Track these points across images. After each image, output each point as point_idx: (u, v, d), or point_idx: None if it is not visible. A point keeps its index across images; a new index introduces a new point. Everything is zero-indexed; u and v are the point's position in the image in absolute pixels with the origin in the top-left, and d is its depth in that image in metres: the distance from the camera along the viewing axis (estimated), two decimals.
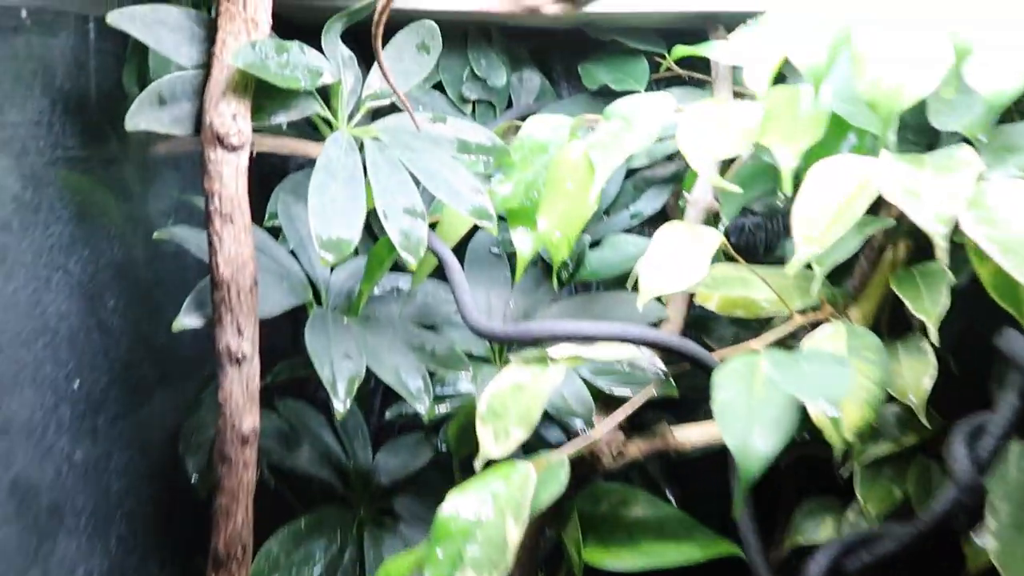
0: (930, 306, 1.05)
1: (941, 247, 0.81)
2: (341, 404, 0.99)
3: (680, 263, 1.00)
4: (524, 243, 1.19)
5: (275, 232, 1.28)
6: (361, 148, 1.06)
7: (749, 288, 1.16)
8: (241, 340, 0.91)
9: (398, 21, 1.15)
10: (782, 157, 0.95)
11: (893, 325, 1.20)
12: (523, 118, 1.60)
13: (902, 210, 0.85)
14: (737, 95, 1.41)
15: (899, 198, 0.85)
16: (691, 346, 0.98)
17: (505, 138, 1.56)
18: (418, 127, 1.06)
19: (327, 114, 1.08)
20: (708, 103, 1.05)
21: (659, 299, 1.22)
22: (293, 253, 1.25)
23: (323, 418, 1.34)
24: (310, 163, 1.09)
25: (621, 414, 1.01)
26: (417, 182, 1.06)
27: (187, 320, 0.97)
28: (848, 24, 0.85)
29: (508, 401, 0.95)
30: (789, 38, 0.90)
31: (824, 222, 0.87)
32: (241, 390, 0.92)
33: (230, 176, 0.92)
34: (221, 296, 0.89)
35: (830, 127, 0.98)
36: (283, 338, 1.35)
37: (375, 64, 1.13)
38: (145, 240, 1.14)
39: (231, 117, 0.92)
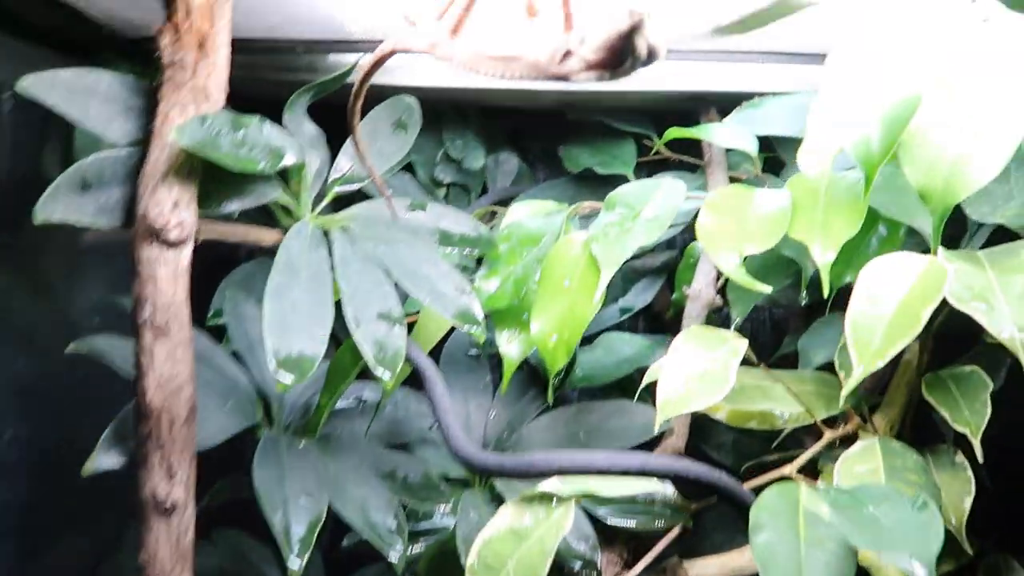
0: (971, 417, 0.93)
1: None
2: (297, 560, 0.79)
3: (703, 377, 0.86)
4: (513, 347, 1.04)
5: (219, 331, 1.11)
6: (327, 240, 0.91)
7: (770, 399, 1.02)
8: (172, 485, 0.71)
9: (369, 96, 1.02)
10: (818, 253, 0.83)
11: (917, 432, 1.08)
12: (500, 203, 1.49)
13: (974, 318, 0.73)
14: (733, 179, 1.31)
15: (969, 306, 0.73)
16: (724, 479, 0.83)
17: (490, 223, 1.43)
18: (395, 216, 0.90)
19: (288, 200, 0.92)
20: (728, 191, 0.93)
21: None
22: (238, 355, 1.07)
23: (268, 551, 1.13)
24: (263, 251, 0.93)
25: (642, 564, 0.84)
26: (393, 279, 0.91)
27: (104, 460, 0.78)
28: (905, 97, 0.73)
29: (505, 551, 0.78)
30: (835, 119, 0.78)
31: (882, 331, 0.74)
32: (170, 549, 0.72)
33: (167, 279, 0.75)
34: (148, 429, 0.71)
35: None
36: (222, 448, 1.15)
37: (345, 143, 0.99)
38: (63, 348, 0.95)
39: (171, 206, 0.75)
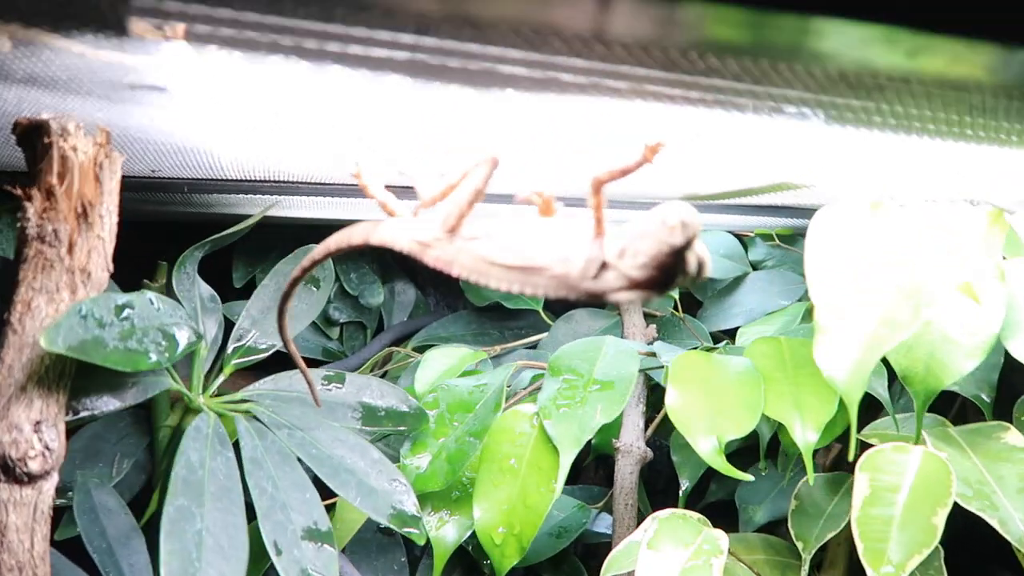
0: None
1: None
2: None
3: None
4: (447, 532, 0.89)
5: None
6: (233, 432, 0.73)
7: None
8: None
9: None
10: (801, 434, 0.77)
11: None
12: (398, 342, 1.35)
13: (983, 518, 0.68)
14: (647, 316, 1.26)
15: (973, 505, 0.68)
16: None
17: (384, 366, 1.28)
18: (318, 402, 0.74)
19: (178, 387, 0.74)
20: (688, 362, 0.85)
21: None
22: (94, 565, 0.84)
23: None
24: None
25: None
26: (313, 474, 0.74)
27: None
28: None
29: None
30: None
31: (896, 539, 0.67)
32: None
33: (21, 528, 0.55)
34: None
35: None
36: None
37: (248, 303, 0.82)
38: None
39: (31, 427, 0.56)
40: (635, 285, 0.47)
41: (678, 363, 0.84)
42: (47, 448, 0.56)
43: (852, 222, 0.71)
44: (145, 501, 1.04)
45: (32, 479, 0.56)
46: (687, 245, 0.46)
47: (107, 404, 0.66)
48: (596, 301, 0.47)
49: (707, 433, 0.77)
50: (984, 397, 0.86)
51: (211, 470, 0.67)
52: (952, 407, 0.96)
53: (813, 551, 0.89)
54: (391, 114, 0.55)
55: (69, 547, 0.88)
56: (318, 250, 0.60)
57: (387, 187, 0.58)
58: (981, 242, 0.58)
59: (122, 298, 0.63)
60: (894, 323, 0.59)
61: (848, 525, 1.00)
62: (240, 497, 0.68)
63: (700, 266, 0.47)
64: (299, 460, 0.75)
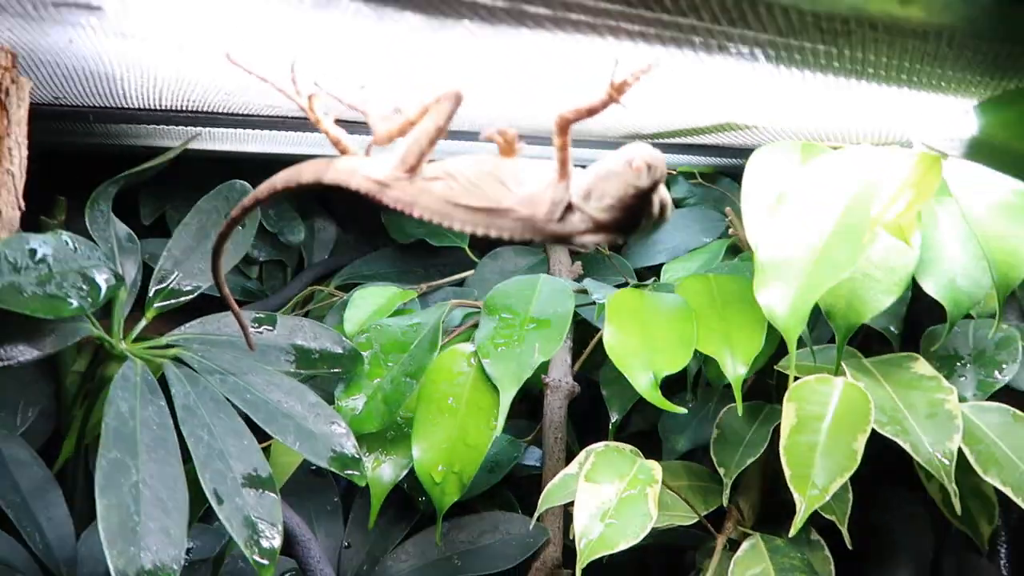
0: (836, 504, 0.96)
1: (951, 490, 0.70)
2: None
3: (621, 511, 0.79)
4: (383, 471, 0.89)
5: None
6: (162, 379, 0.69)
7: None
8: None
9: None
10: (731, 367, 0.80)
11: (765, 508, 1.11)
12: (320, 280, 1.31)
13: (896, 442, 0.73)
14: (573, 253, 1.27)
15: (886, 429, 0.74)
16: None
17: (306, 306, 1.24)
18: (252, 346, 0.71)
19: (99, 333, 0.69)
20: (622, 300, 0.86)
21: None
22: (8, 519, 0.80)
23: None
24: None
25: None
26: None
27: None
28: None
29: None
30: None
31: (821, 465, 0.71)
32: None
33: None
34: None
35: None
36: None
37: (170, 241, 0.77)
38: None
39: None
40: (600, 227, 0.47)
41: (614, 301, 0.86)
42: None
43: (787, 163, 0.73)
44: (54, 451, 0.99)
45: None
46: (653, 187, 0.45)
47: (23, 353, 0.61)
48: (561, 243, 0.46)
49: (644, 369, 0.79)
50: (892, 329, 0.92)
51: (143, 420, 0.64)
52: (857, 338, 1.03)
53: (734, 476, 0.94)
54: (340, 44, 0.52)
55: None
56: (261, 188, 0.57)
57: (337, 122, 0.55)
58: (914, 184, 0.61)
59: (36, 239, 0.58)
60: (833, 263, 0.62)
61: (765, 451, 1.06)
62: (176, 447, 0.65)
63: (663, 208, 0.47)
64: (234, 406, 0.72)
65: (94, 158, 1.02)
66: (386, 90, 0.55)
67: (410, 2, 0.45)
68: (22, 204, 0.56)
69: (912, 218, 0.66)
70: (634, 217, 0.46)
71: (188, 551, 0.89)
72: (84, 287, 0.61)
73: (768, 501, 1.07)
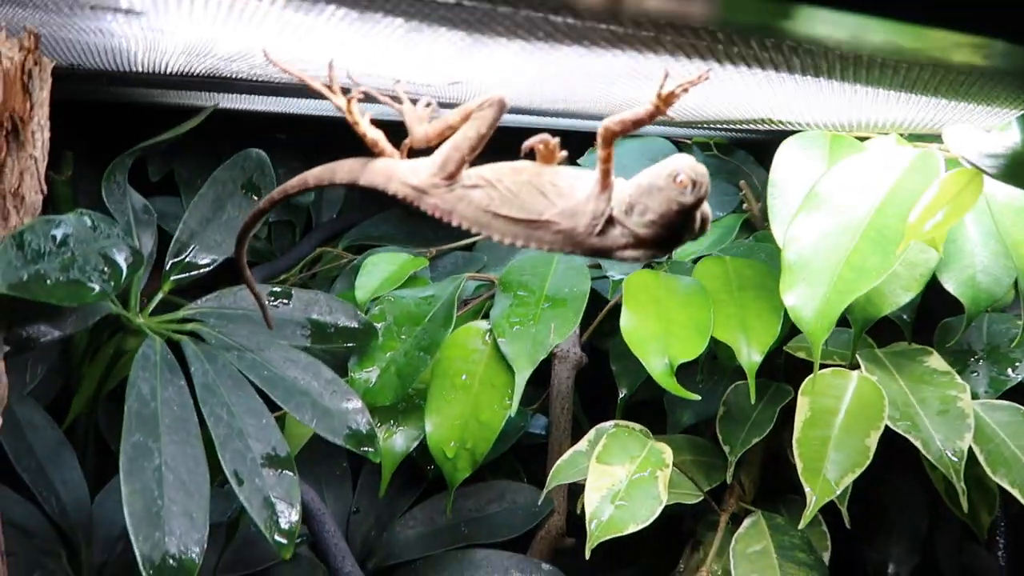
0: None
1: (959, 488, 0.71)
2: None
3: (631, 493, 0.80)
4: (396, 442, 0.89)
5: None
6: (181, 357, 0.69)
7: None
8: None
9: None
10: (746, 355, 0.81)
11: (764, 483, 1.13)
12: (328, 240, 1.29)
13: (907, 438, 0.74)
14: None
15: (898, 425, 0.74)
16: None
17: (314, 268, 1.23)
18: (271, 325, 0.71)
19: (118, 310, 0.69)
20: (640, 282, 0.86)
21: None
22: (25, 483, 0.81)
23: None
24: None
25: None
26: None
27: None
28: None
29: None
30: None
31: (837, 467, 0.72)
32: None
33: None
34: None
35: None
36: None
37: (186, 213, 0.76)
38: None
39: None
40: (642, 243, 0.46)
41: (631, 284, 0.85)
42: None
43: (817, 158, 0.72)
44: (64, 407, 0.99)
45: None
46: (697, 204, 0.45)
47: (45, 334, 0.60)
48: (601, 257, 0.45)
49: (660, 355, 0.80)
50: (905, 318, 0.92)
51: (163, 400, 0.64)
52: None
53: (740, 454, 0.95)
54: (383, 54, 0.50)
55: None
56: (293, 183, 0.56)
57: (373, 122, 0.53)
58: (953, 198, 0.60)
59: (59, 222, 0.57)
60: (863, 269, 0.61)
61: (771, 431, 1.07)
62: (196, 427, 0.66)
63: (703, 223, 0.46)
64: (251, 383, 0.72)
65: (99, 110, 1.00)
66: (420, 87, 0.53)
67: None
68: (44, 188, 0.55)
69: (945, 230, 0.66)
70: (676, 234, 0.46)
71: None
72: (105, 270, 0.60)
73: (769, 476, 1.09)
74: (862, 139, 0.77)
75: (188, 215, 0.76)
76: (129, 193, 0.72)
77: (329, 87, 0.52)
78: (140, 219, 0.73)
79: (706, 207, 0.46)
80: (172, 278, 0.76)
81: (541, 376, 1.17)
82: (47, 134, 0.54)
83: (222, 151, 0.90)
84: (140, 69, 0.74)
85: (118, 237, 0.64)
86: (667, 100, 0.45)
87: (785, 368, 1.00)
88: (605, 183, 0.47)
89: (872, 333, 0.97)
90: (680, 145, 1.27)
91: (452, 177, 0.49)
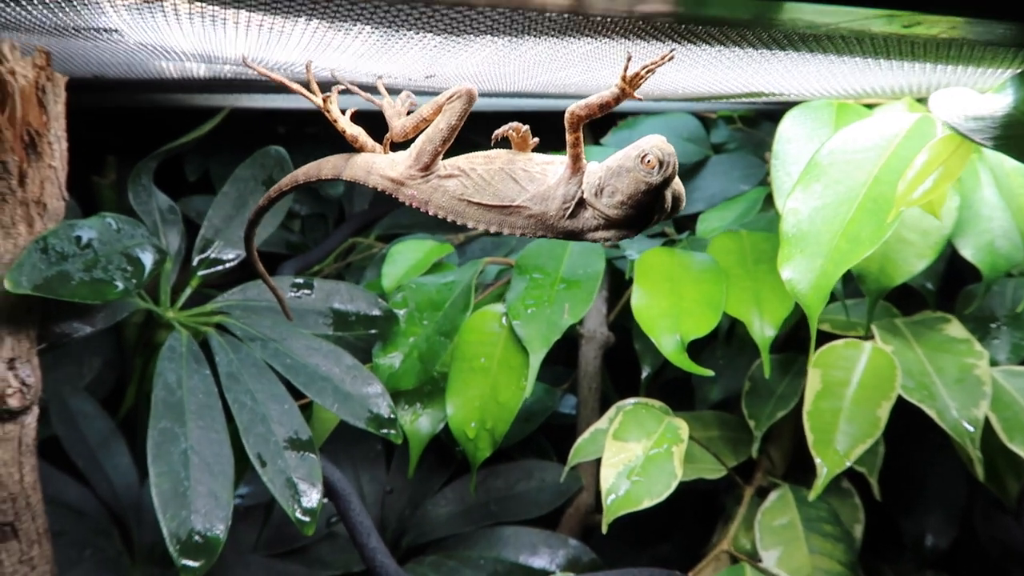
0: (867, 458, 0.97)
1: (975, 457, 0.70)
2: None
3: (647, 469, 0.81)
4: (421, 424, 0.92)
5: None
6: (206, 348, 0.73)
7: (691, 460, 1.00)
8: None
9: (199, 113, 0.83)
10: (759, 329, 0.81)
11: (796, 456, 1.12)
12: (360, 231, 1.33)
13: (922, 408, 0.73)
14: None
15: (914, 396, 0.74)
16: None
17: (347, 258, 1.27)
18: (289, 316, 0.75)
19: (147, 305, 0.73)
20: (652, 260, 0.86)
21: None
22: (78, 469, 0.87)
23: None
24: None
25: None
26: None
27: None
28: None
29: None
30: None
31: (848, 439, 0.72)
32: None
33: (8, 461, 0.56)
34: None
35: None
36: None
37: (210, 210, 0.80)
38: None
39: (5, 365, 0.56)
40: (612, 224, 0.47)
41: (644, 261, 0.86)
42: (24, 384, 0.56)
43: (820, 127, 0.71)
44: (121, 399, 1.05)
45: (13, 415, 0.56)
46: (665, 183, 0.45)
47: (77, 330, 0.65)
48: (573, 239, 0.46)
49: (670, 332, 0.80)
50: (929, 286, 0.90)
51: (189, 389, 0.68)
52: (895, 292, 1.01)
53: (765, 429, 0.95)
54: (362, 56, 0.52)
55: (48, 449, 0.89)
56: (284, 181, 0.58)
57: (354, 117, 0.56)
58: (944, 163, 0.59)
59: (81, 226, 0.61)
60: (858, 239, 0.61)
61: (797, 404, 1.07)
62: (220, 413, 0.70)
63: (676, 202, 0.47)
64: (275, 371, 0.76)
65: (136, 113, 1.05)
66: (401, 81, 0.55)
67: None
68: (66, 195, 0.59)
69: (942, 194, 0.64)
70: (646, 214, 0.46)
71: (242, 497, 0.96)
72: (129, 268, 0.64)
73: (799, 451, 1.08)
74: (870, 106, 0.76)
75: (212, 213, 0.80)
76: (155, 194, 0.77)
77: (307, 87, 0.54)
78: (166, 218, 0.77)
79: (678, 185, 0.47)
80: (199, 273, 0.80)
81: (571, 356, 1.19)
82: (64, 144, 0.57)
83: (255, 149, 0.94)
84: (166, 75, 0.78)
85: (142, 237, 0.68)
86: (632, 82, 0.46)
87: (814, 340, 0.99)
88: (575, 167, 0.48)
89: (901, 303, 0.95)
90: (705, 119, 1.26)
91: (427, 168, 0.51)
